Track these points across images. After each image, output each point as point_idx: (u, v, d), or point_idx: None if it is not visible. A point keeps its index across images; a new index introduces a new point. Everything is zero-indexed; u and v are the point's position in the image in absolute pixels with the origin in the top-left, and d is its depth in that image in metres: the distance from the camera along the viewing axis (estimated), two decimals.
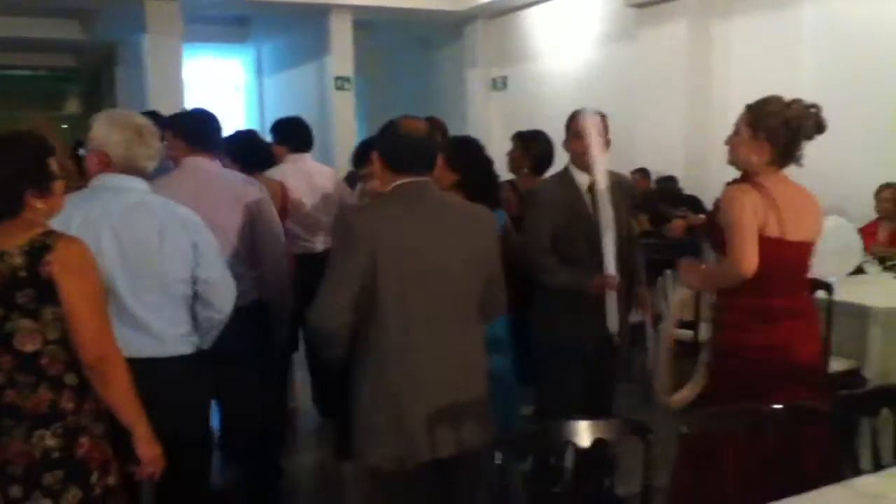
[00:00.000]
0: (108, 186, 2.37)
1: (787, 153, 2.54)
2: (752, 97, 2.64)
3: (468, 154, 3.17)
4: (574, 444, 1.90)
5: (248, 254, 3.07)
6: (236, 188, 3.11)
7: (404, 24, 10.80)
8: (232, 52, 12.71)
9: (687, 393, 2.84)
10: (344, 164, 9.32)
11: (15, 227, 1.93)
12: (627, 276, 3.29)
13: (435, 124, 3.51)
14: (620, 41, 8.46)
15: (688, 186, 7.16)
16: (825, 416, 2.00)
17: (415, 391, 2.19)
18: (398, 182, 2.23)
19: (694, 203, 6.75)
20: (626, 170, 7.16)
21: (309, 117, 12.36)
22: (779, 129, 2.51)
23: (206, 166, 3.06)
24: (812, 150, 2.63)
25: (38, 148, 1.99)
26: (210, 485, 2.86)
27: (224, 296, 2.50)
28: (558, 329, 3.17)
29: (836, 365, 3.76)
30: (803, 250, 2.59)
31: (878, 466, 2.05)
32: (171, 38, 8.59)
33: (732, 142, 2.63)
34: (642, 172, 7.43)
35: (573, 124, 3.22)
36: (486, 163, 3.31)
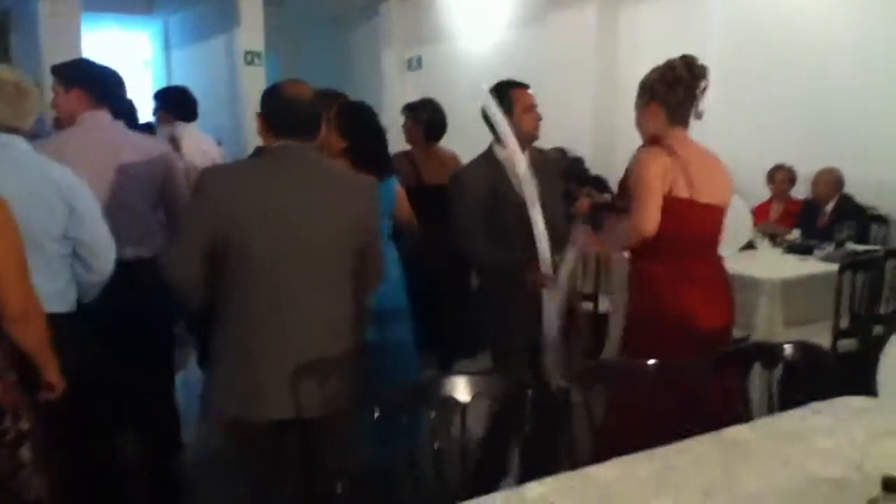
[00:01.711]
0: None
1: (676, 109, 2.56)
2: None
3: (358, 120, 3.10)
4: (454, 400, 1.89)
5: (155, 209, 3.10)
6: (143, 144, 3.10)
7: (318, 1, 10.60)
8: (138, 25, 12.23)
9: None
10: (254, 139, 9.13)
11: None
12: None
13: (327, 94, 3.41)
14: (531, 24, 8.53)
15: (594, 167, 7.29)
16: (703, 371, 2.05)
17: (269, 352, 2.17)
18: (274, 145, 2.23)
19: (599, 183, 6.88)
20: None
21: (218, 93, 12.01)
22: (657, 86, 2.57)
23: (109, 122, 3.00)
24: (713, 131, 2.75)
25: None
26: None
27: (102, 258, 2.49)
28: (497, 329, 3.03)
29: None
30: (714, 213, 2.59)
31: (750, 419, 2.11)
32: (68, 4, 8.18)
33: (636, 118, 2.67)
34: (560, 152, 7.52)
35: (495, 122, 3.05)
36: (377, 130, 3.23)
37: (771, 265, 4.19)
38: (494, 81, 3.16)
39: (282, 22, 10.67)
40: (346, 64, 11.41)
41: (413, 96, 10.64)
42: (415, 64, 10.49)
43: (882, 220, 5.45)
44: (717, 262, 2.70)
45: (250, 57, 9.63)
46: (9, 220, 1.96)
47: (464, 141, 6.01)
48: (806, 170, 5.70)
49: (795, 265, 4.22)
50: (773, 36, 6.27)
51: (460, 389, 1.89)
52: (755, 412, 2.13)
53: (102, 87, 3.03)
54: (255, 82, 9.81)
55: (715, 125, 6.56)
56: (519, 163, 2.91)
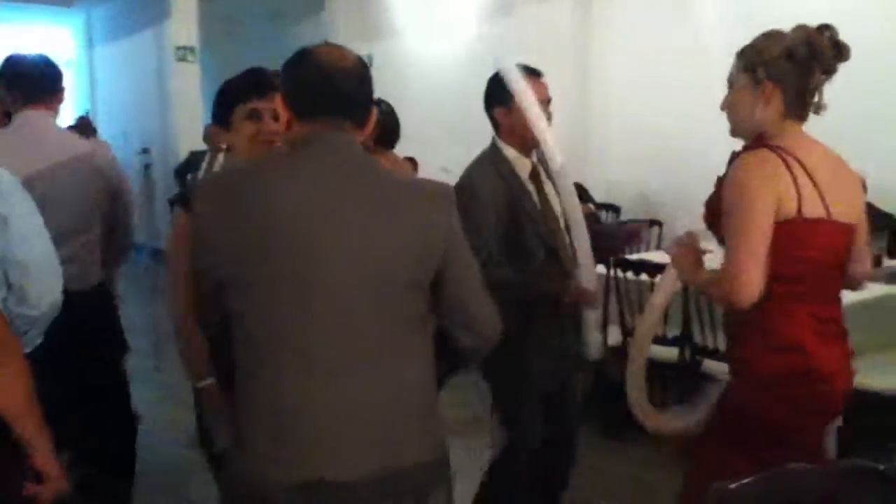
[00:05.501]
0: None
1: (801, 97, 1.85)
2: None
3: None
4: None
5: (100, 224, 2.72)
6: (84, 147, 2.77)
7: None
8: (58, 18, 11.24)
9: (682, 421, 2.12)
10: (186, 144, 8.30)
11: None
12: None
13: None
14: (497, 18, 7.92)
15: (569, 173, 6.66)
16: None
17: (315, 448, 1.42)
18: (300, 133, 1.51)
19: (579, 191, 6.21)
20: None
21: (146, 93, 11.08)
22: (781, 63, 1.83)
23: (45, 121, 2.69)
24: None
25: None
26: None
27: (44, 285, 1.88)
28: (519, 356, 2.51)
29: None
30: (850, 234, 1.89)
31: None
32: None
33: (729, 101, 1.94)
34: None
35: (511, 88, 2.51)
36: None
37: None
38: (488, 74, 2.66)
39: (217, 15, 9.87)
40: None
41: None
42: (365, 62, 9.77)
43: None
44: (840, 301, 1.98)
45: (182, 53, 8.88)
46: None
47: (418, 147, 5.42)
48: None
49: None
50: (763, 16, 5.72)
51: None
52: None
53: (36, 81, 2.66)
54: (187, 81, 9.06)
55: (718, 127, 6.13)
56: (552, 154, 2.49)
